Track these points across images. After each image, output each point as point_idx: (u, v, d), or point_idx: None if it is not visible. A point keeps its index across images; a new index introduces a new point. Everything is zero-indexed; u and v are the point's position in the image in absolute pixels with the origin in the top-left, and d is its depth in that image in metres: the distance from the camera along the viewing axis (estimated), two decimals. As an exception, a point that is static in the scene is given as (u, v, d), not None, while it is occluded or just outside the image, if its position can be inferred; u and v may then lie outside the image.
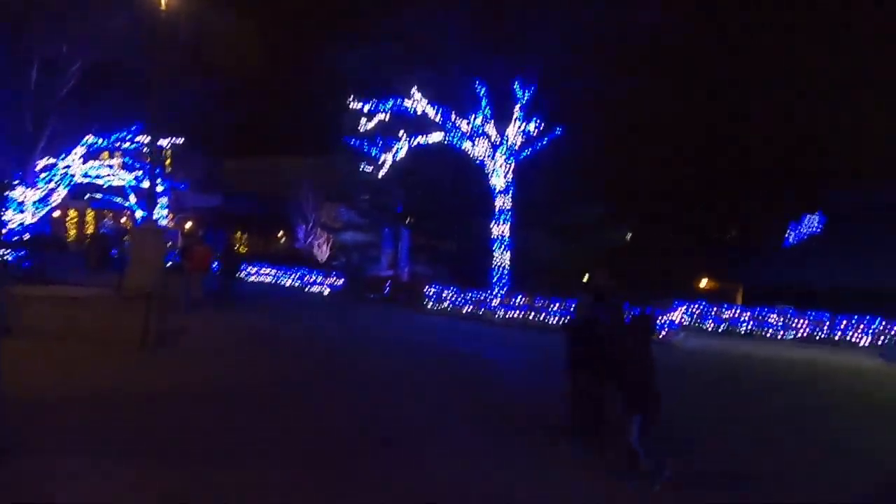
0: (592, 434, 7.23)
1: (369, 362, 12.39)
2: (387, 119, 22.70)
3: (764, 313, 20.40)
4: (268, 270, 32.20)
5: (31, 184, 28.67)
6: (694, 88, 24.43)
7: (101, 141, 29.84)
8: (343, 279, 26.91)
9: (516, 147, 22.06)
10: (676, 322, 19.54)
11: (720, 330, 20.53)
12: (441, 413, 9.01)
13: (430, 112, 22.12)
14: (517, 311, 20.75)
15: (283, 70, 37.69)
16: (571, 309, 8.15)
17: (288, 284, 30.16)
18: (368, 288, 25.04)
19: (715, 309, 21.36)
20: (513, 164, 22.23)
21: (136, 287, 11.44)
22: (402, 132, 23.00)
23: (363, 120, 22.99)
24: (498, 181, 22.30)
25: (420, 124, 22.74)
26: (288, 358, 12.32)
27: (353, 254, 29.50)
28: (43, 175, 28.59)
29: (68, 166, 29.43)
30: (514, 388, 10.87)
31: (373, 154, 24.29)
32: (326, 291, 27.22)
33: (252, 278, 32.27)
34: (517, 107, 21.51)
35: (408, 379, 11.14)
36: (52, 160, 29.16)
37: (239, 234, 55.98)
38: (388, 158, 23.42)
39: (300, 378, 10.70)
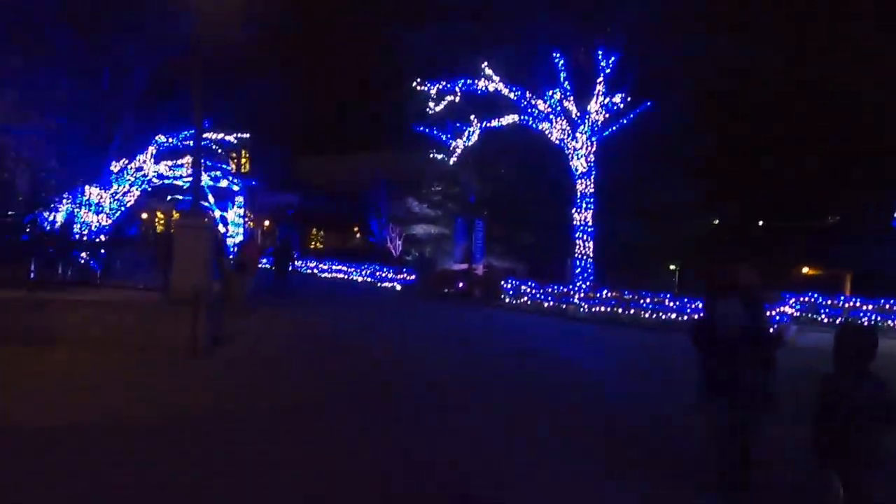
0: (739, 487, 5.39)
1: (435, 371, 10.92)
2: (457, 101, 21.06)
3: (891, 304, 18.12)
4: (340, 266, 31.72)
5: (106, 186, 28.74)
6: (800, 54, 21.42)
7: (170, 140, 29.71)
8: (415, 274, 25.74)
9: (599, 124, 20.12)
10: (788, 315, 17.57)
11: (837, 322, 18.17)
12: (533, 442, 7.40)
13: (504, 91, 20.44)
14: (603, 306, 19.00)
15: (348, 59, 36.64)
16: (705, 310, 6.13)
17: (360, 280, 29.46)
18: (441, 283, 23.68)
19: (830, 300, 19.29)
20: (595, 145, 20.32)
21: (182, 289, 10.36)
22: (473, 116, 21.42)
23: (431, 104, 21.41)
24: (579, 163, 20.45)
25: (492, 106, 21.12)
26: (343, 366, 10.90)
27: (425, 247, 28.29)
28: (117, 177, 28.62)
29: (140, 168, 29.42)
30: (617, 408, 8.98)
31: (443, 140, 22.79)
32: (398, 287, 26.15)
33: (325, 275, 31.82)
34: (599, 79, 19.57)
35: (482, 394, 9.60)
36: (125, 161, 29.19)
37: (315, 230, 56.06)
38: (459, 145, 21.90)
39: (351, 389, 9.24)
